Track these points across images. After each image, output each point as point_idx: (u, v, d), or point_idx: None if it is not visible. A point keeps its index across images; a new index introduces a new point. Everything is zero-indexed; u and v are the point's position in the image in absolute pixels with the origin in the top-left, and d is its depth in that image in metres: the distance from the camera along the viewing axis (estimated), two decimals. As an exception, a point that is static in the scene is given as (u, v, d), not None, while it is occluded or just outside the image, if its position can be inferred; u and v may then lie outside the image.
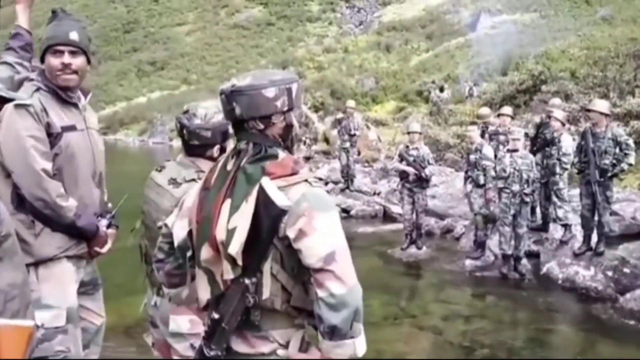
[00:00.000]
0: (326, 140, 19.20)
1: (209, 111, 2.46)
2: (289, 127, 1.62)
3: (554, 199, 7.45)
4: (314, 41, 43.16)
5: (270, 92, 1.57)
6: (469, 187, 7.72)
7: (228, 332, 1.55)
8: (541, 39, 24.01)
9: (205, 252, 1.59)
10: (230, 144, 2.48)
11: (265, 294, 1.52)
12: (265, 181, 1.51)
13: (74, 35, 2.49)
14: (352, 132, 11.41)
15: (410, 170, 7.74)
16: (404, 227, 8.16)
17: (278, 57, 39.05)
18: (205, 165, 2.44)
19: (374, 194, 11.86)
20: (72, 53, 2.48)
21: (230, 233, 1.52)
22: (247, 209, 1.51)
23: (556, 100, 8.65)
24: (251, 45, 44.49)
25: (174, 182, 2.39)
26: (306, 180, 1.56)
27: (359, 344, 1.50)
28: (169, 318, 2.41)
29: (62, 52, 2.46)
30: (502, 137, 7.90)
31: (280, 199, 1.48)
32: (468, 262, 7.35)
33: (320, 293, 1.47)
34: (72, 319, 2.48)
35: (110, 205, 2.79)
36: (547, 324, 5.71)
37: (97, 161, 2.64)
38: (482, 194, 7.45)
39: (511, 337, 5.39)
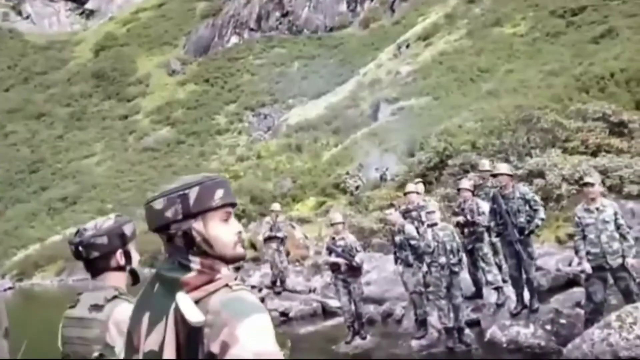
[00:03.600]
0: (253, 246, 19.04)
1: (97, 221, 2.37)
2: (188, 235, 1.53)
3: (481, 264, 7.69)
4: (227, 152, 43.77)
5: (158, 204, 1.53)
6: (400, 268, 7.83)
7: None
8: (438, 118, 25.54)
9: None
10: (132, 249, 2.39)
11: None
12: (180, 296, 1.43)
13: None
14: (276, 234, 11.46)
15: (341, 260, 7.78)
16: (344, 319, 8.06)
17: (193, 172, 38.98)
18: (116, 278, 2.33)
19: (310, 291, 11.75)
20: None
21: (148, 356, 1.46)
22: (168, 331, 1.44)
23: (465, 181, 8.77)
24: (164, 166, 44.39)
25: (95, 307, 2.24)
26: (227, 285, 1.48)
27: None
28: None
29: None
30: (414, 214, 8.13)
31: (192, 315, 1.39)
32: (414, 343, 7.30)
33: None
34: None
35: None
36: (502, 389, 5.71)
37: (1, 311, 2.48)
38: (414, 272, 7.57)
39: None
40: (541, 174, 13.03)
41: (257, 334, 1.40)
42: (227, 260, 1.57)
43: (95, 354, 2.16)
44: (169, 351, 1.42)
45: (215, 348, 1.39)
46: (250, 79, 52.97)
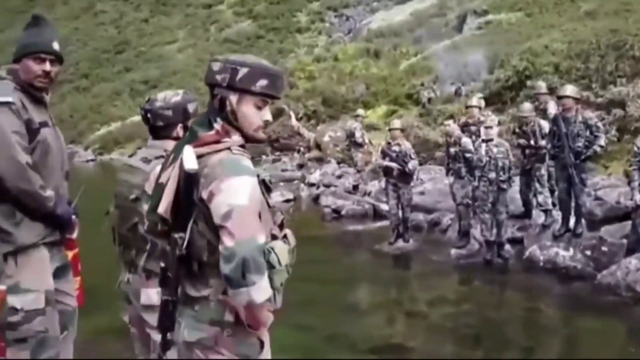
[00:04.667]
0: (318, 147, 19.41)
1: (167, 94, 2.71)
2: (223, 101, 1.80)
3: (536, 185, 7.61)
4: (304, 51, 43.37)
5: (216, 66, 1.79)
6: (451, 179, 7.90)
7: (173, 280, 1.75)
8: (526, 36, 24.17)
9: None
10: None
11: (192, 247, 1.72)
12: (187, 148, 1.71)
13: (56, 45, 2.68)
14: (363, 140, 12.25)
15: (394, 165, 7.91)
16: (390, 221, 8.31)
17: (269, 69, 39.24)
18: (171, 146, 2.64)
19: (365, 194, 12.04)
20: (52, 61, 2.67)
21: (157, 188, 1.78)
22: (173, 172, 1.73)
23: (527, 105, 8.52)
24: (242, 59, 44.66)
25: (145, 160, 2.64)
26: (229, 149, 1.74)
27: (255, 292, 1.63)
28: (140, 292, 2.58)
29: (43, 60, 2.63)
30: (473, 128, 8.03)
31: (188, 163, 1.66)
32: (453, 252, 7.50)
33: (219, 247, 1.65)
34: (50, 301, 2.64)
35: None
36: (530, 303, 5.90)
37: (64, 155, 2.83)
38: (464, 184, 7.63)
39: (496, 318, 5.55)
40: (622, 104, 12.40)
41: (237, 190, 1.67)
42: (247, 138, 1.83)
43: (133, 196, 2.54)
44: (170, 188, 1.74)
45: (205, 195, 1.69)
46: (336, -23, 51.24)
